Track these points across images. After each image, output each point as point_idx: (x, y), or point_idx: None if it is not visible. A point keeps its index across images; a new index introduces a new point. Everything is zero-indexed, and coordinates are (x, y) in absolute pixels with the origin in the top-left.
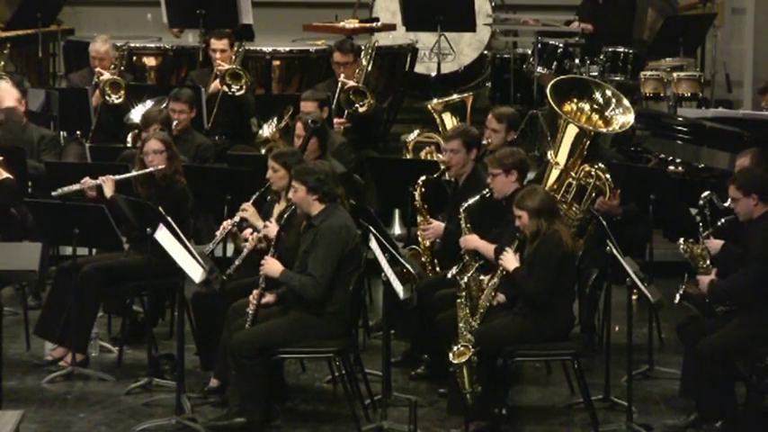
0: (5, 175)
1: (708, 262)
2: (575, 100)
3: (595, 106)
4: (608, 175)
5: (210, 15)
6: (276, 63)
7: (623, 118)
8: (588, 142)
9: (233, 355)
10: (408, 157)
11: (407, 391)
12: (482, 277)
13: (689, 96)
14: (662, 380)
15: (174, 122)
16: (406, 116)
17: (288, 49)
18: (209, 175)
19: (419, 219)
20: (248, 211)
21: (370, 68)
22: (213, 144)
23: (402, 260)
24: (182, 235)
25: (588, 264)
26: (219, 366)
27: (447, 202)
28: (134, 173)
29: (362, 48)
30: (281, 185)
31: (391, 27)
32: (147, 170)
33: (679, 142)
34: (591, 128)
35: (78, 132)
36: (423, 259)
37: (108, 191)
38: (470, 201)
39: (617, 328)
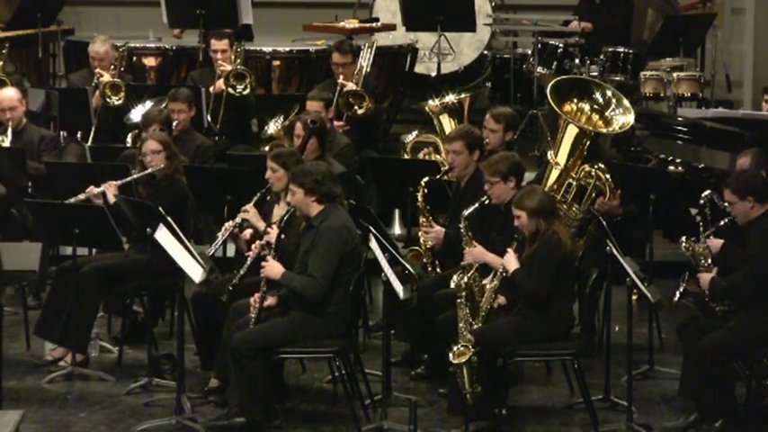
0: None
1: (709, 261)
2: (575, 100)
3: (595, 106)
4: (608, 175)
5: (210, 15)
6: (276, 63)
7: (623, 118)
8: (588, 142)
9: (233, 355)
10: (407, 158)
11: (407, 391)
12: (484, 282)
13: (689, 96)
14: (662, 380)
15: (174, 122)
16: (406, 116)
17: (288, 49)
18: (209, 175)
19: (421, 220)
20: (249, 212)
21: (369, 69)
22: (213, 144)
23: (402, 260)
24: (182, 235)
25: (588, 264)
26: (219, 366)
27: (448, 203)
28: (135, 175)
29: (362, 48)
30: (280, 186)
31: (391, 27)
32: (146, 171)
33: (679, 142)
34: (591, 128)
35: (79, 134)
36: (424, 260)
37: (111, 196)
38: (470, 209)
39: (617, 328)
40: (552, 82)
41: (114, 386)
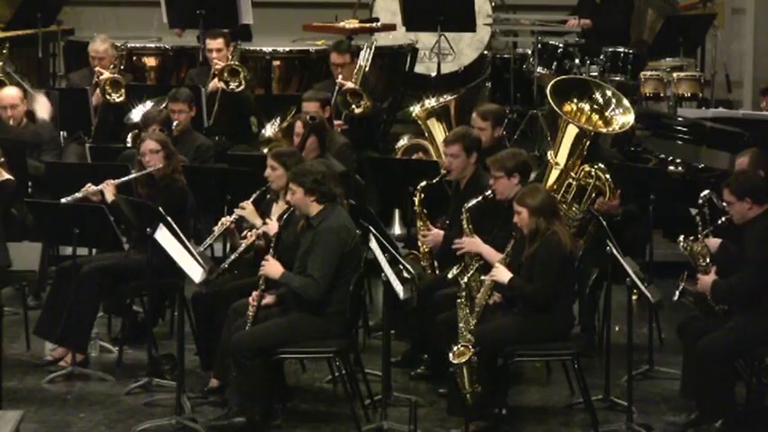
0: (6, 176)
1: (707, 260)
2: (575, 100)
3: (595, 106)
4: (608, 175)
5: (210, 15)
6: (276, 63)
7: (623, 118)
8: (588, 142)
9: (233, 355)
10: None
11: (407, 391)
12: (483, 277)
13: (689, 96)
14: (662, 380)
15: (174, 122)
16: (406, 116)
17: (288, 49)
18: (209, 175)
19: (419, 224)
20: (247, 209)
21: (368, 69)
22: (213, 144)
23: (402, 260)
24: (182, 235)
25: (588, 264)
26: (219, 366)
27: (447, 205)
28: (133, 175)
29: (361, 48)
30: (279, 184)
31: (391, 27)
32: (145, 171)
33: (679, 142)
34: (591, 128)
35: (81, 133)
36: (423, 263)
37: (109, 195)
38: (472, 202)
39: (617, 328)
40: (552, 82)
41: (114, 386)
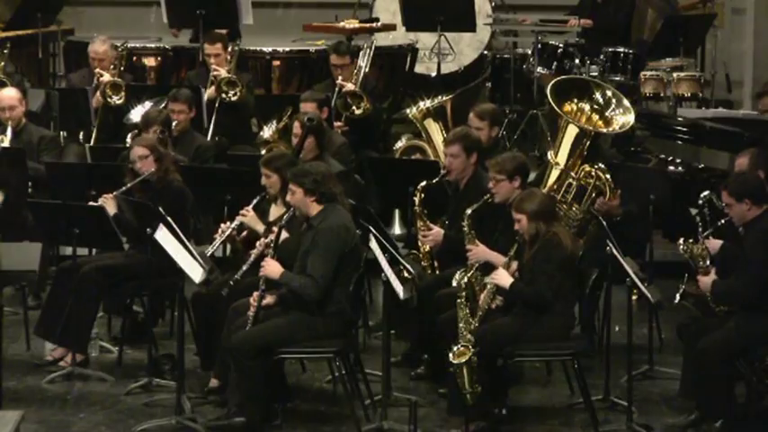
0: None
1: (707, 261)
2: (575, 100)
3: (595, 106)
4: (608, 176)
5: (210, 15)
6: (276, 63)
7: (623, 118)
8: (588, 142)
9: (233, 355)
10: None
11: (407, 391)
12: (486, 279)
13: (689, 96)
14: (662, 380)
15: (174, 123)
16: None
17: (288, 49)
18: (210, 175)
19: (419, 224)
20: (248, 215)
21: (368, 69)
22: (214, 145)
23: (402, 260)
24: (182, 235)
25: (588, 264)
26: (219, 366)
27: (447, 205)
28: (129, 185)
29: (361, 48)
30: (276, 189)
31: (391, 27)
32: (139, 178)
33: (679, 142)
34: (591, 128)
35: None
36: (423, 263)
37: (110, 209)
38: (474, 206)
39: (617, 328)
40: (552, 82)
41: (114, 386)
